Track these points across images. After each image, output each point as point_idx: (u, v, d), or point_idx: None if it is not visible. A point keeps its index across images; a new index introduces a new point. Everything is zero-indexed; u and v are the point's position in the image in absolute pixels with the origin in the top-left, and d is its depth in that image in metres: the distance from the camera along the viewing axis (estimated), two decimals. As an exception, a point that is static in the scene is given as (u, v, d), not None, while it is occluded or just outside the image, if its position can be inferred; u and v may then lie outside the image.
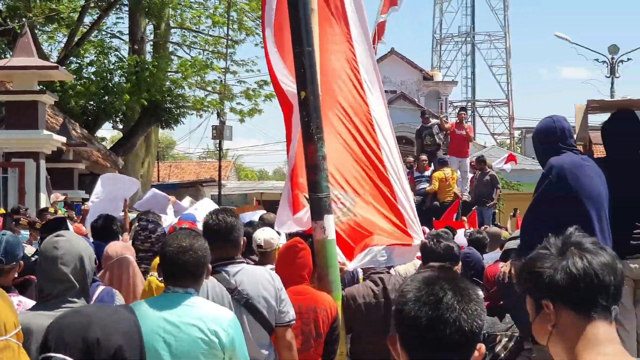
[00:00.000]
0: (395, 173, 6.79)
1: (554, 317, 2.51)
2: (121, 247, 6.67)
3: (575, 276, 2.48)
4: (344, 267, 6.06)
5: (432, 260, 5.34)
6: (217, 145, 34.60)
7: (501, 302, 6.35)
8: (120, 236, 8.42)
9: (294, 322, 5.05)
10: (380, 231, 6.40)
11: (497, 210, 19.19)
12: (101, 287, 5.14)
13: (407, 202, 6.77)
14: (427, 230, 11.17)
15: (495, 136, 65.73)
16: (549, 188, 5.67)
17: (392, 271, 6.72)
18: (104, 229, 7.74)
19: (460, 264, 5.42)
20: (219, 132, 31.11)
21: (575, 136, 6.10)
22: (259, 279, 4.95)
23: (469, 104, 67.17)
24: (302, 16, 5.64)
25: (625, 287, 5.84)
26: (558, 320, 2.51)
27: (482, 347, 2.31)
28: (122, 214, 10.88)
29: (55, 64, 18.18)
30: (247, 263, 5.38)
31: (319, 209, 5.65)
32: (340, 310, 5.60)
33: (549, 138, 5.94)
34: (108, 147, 26.84)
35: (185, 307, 4.08)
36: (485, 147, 46.53)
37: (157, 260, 5.86)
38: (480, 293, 6.58)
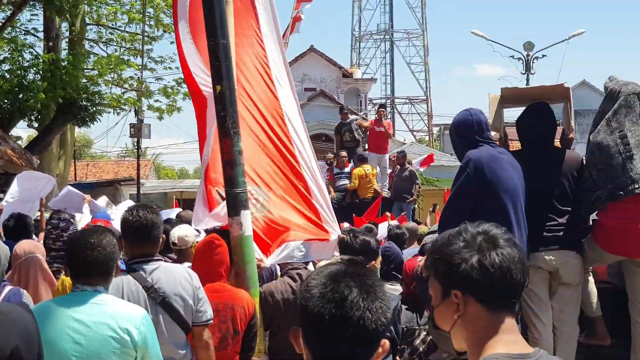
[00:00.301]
0: (309, 168, 6.75)
1: (462, 307, 2.53)
2: (30, 245, 6.49)
3: (492, 273, 2.51)
4: (261, 263, 6.00)
5: (349, 255, 5.31)
6: (136, 144, 34.17)
7: (419, 296, 6.34)
8: (35, 235, 8.22)
9: (212, 321, 4.98)
10: (296, 227, 6.36)
11: (416, 206, 19.32)
12: (8, 287, 4.99)
13: (321, 197, 6.74)
14: (347, 226, 11.23)
15: (415, 133, 66.42)
16: (466, 182, 5.68)
17: (310, 266, 6.68)
18: (17, 228, 7.54)
19: (379, 258, 5.38)
20: (137, 130, 30.73)
21: (490, 127, 6.13)
22: (177, 277, 4.87)
23: (388, 101, 67.74)
24: (216, 8, 5.54)
25: (540, 279, 5.92)
26: (465, 310, 2.53)
27: (385, 342, 2.30)
28: (39, 213, 10.64)
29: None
30: (165, 261, 5.29)
31: (236, 205, 5.57)
32: (258, 307, 5.53)
33: (466, 131, 5.94)
34: (23, 146, 26.20)
35: (94, 305, 3.98)
36: (404, 144, 46.95)
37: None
38: (389, 288, 6.61)
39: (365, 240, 5.38)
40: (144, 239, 4.95)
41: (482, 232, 2.67)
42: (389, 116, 67.55)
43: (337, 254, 6.10)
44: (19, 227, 7.55)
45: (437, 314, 2.63)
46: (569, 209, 6.02)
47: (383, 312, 2.29)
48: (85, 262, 4.05)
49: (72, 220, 7.77)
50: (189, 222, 8.41)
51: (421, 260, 6.00)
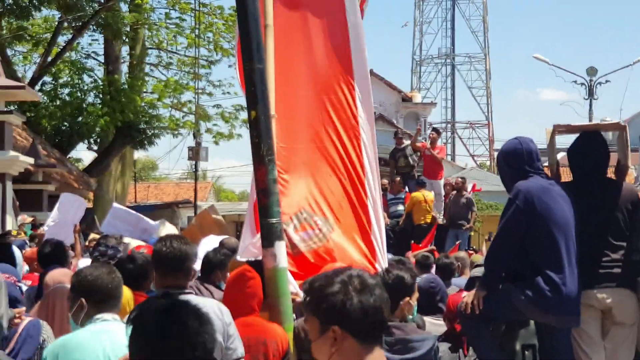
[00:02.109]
0: (373, 199, 6.60)
1: (339, 341, 2.83)
2: (60, 275, 6.35)
3: (366, 311, 2.82)
4: (296, 298, 5.80)
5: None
6: (194, 166, 34.33)
7: (463, 334, 6.03)
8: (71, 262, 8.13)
9: (242, 359, 4.78)
10: (348, 260, 6.11)
11: (472, 233, 18.90)
12: (27, 319, 4.87)
13: (378, 230, 6.56)
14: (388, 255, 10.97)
15: (475, 158, 65.75)
16: (515, 214, 5.43)
17: None
18: (51, 256, 7.42)
19: (415, 294, 5.12)
20: (195, 153, 30.86)
21: (546, 161, 5.85)
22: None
23: (449, 125, 67.27)
24: (252, 31, 5.37)
25: (592, 317, 5.60)
26: (341, 344, 2.83)
27: None
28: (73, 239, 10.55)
29: (22, 84, 17.86)
30: (195, 294, 5.12)
31: (270, 235, 5.36)
32: (292, 343, 5.30)
33: (516, 161, 5.70)
34: (83, 168, 26.48)
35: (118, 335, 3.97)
36: (464, 168, 46.47)
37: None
38: (432, 323, 6.31)
39: (399, 276, 5.12)
40: (176, 270, 4.87)
41: (355, 275, 2.91)
42: (449, 140, 67.13)
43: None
44: (54, 254, 7.42)
45: (315, 347, 2.91)
46: (623, 244, 5.69)
47: (210, 341, 2.57)
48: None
49: (119, 247, 7.62)
50: (234, 250, 8.25)
51: (466, 296, 5.71)
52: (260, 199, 5.38)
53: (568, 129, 6.23)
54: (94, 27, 22.68)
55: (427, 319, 6.20)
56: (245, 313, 5.10)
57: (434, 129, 21.93)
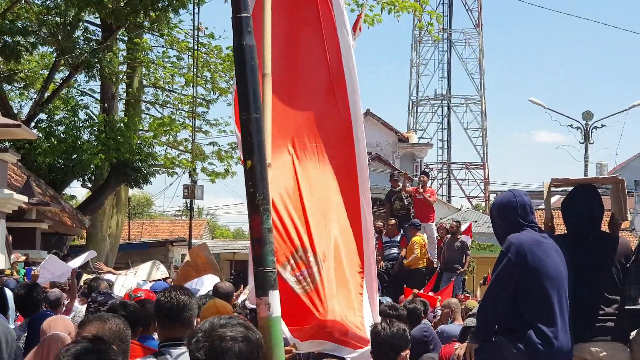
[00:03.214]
0: (369, 243, 6.47)
1: None
2: (54, 322, 6.32)
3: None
4: (292, 350, 5.79)
5: (378, 343, 5.08)
6: (189, 205, 34.33)
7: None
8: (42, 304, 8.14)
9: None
10: (336, 321, 6.00)
11: (466, 277, 18.85)
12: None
13: (371, 278, 6.45)
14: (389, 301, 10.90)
15: (471, 199, 65.84)
16: (507, 267, 5.43)
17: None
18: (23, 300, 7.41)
19: (407, 350, 5.13)
20: (190, 192, 30.89)
21: (534, 210, 5.84)
22: None
23: (445, 166, 67.42)
24: (250, 81, 5.36)
25: (586, 371, 5.57)
26: None
27: None
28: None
29: (18, 123, 17.90)
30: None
31: (264, 284, 5.29)
32: (285, 393, 5.25)
33: (509, 214, 5.71)
34: (77, 206, 26.44)
35: None
36: (460, 209, 46.52)
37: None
38: None
39: (402, 329, 5.13)
40: (174, 321, 4.89)
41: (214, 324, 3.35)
42: (444, 181, 67.23)
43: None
44: (24, 297, 7.41)
45: None
46: (617, 298, 5.68)
47: None
48: None
49: (111, 294, 7.59)
50: (228, 296, 8.20)
51: (458, 347, 5.69)
52: (255, 248, 5.34)
53: (565, 183, 6.24)
54: (86, 71, 22.71)
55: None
56: (238, 363, 5.06)
57: (423, 172, 22.03)
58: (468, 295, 16.89)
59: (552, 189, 6.25)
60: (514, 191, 5.82)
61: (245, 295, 7.81)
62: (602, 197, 5.99)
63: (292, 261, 5.90)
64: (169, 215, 65.03)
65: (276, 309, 5.34)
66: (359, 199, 6.42)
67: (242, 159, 6.05)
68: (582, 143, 35.68)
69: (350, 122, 6.52)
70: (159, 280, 11.84)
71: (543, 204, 6.34)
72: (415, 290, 14.45)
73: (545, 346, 5.27)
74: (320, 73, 6.54)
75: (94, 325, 4.47)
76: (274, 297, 5.34)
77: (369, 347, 6.01)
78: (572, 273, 5.52)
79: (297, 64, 6.52)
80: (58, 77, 25.33)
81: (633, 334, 5.76)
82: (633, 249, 5.82)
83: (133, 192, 51.54)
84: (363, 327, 6.09)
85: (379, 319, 5.99)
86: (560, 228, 6.10)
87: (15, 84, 24.69)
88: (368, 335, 6.00)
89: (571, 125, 36.02)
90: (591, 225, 5.85)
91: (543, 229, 5.92)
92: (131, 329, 5.67)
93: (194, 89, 25.33)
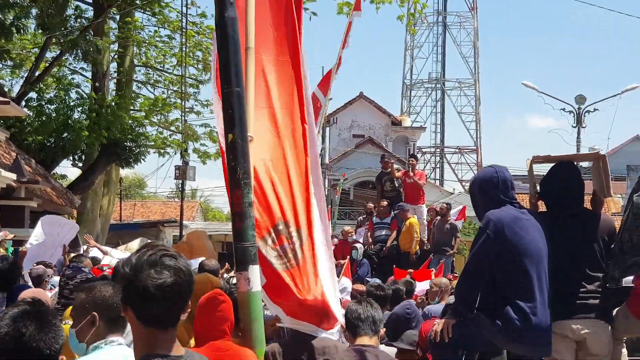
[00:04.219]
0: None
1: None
2: (32, 294, 6.27)
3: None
4: (276, 322, 5.80)
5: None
6: (181, 186, 34.29)
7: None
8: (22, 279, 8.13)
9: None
10: (312, 300, 5.96)
11: (454, 259, 18.82)
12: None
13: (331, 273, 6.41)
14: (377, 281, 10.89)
15: (463, 183, 65.85)
16: (485, 243, 5.39)
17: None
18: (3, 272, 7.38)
19: (382, 330, 5.16)
20: (182, 172, 30.83)
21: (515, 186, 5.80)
22: None
23: (438, 150, 67.42)
24: (232, 54, 5.32)
25: (566, 348, 5.56)
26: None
27: None
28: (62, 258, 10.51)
29: (7, 100, 17.75)
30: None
31: (244, 259, 5.27)
32: (264, 368, 5.23)
33: (491, 189, 5.66)
34: (68, 185, 26.34)
35: None
36: (452, 193, 46.54)
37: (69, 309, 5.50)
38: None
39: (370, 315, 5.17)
40: None
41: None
42: (437, 165, 67.25)
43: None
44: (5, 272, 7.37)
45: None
46: (600, 275, 5.66)
47: (56, 340, 3.12)
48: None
49: (81, 268, 7.53)
50: (213, 273, 8.16)
51: (437, 323, 5.66)
52: (235, 222, 5.32)
53: (547, 160, 6.20)
54: (73, 51, 22.51)
55: (403, 346, 6.17)
56: (216, 337, 5.01)
57: (412, 156, 21.96)
58: (457, 276, 16.88)
59: (534, 166, 6.20)
60: (495, 167, 5.78)
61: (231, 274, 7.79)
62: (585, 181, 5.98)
63: (273, 234, 5.86)
64: (161, 196, 64.99)
65: (256, 284, 5.31)
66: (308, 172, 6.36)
67: (218, 132, 6.06)
68: (575, 127, 35.67)
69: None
70: None
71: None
72: (411, 270, 14.56)
73: (523, 322, 5.25)
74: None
75: (80, 295, 4.38)
76: (254, 271, 5.31)
77: (338, 326, 6.01)
78: (554, 249, 5.49)
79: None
80: (50, 56, 25.18)
81: (615, 311, 5.76)
82: (617, 228, 5.78)
83: (126, 173, 51.54)
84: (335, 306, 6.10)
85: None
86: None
87: (7, 62, 24.49)
88: (337, 315, 6.00)
89: (564, 109, 36.01)
90: (571, 200, 5.83)
91: (529, 207, 5.89)
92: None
93: (183, 69, 25.19)
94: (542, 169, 6.37)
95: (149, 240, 14.73)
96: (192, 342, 5.32)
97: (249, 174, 5.37)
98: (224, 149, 5.52)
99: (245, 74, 5.76)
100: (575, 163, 6.10)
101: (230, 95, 5.32)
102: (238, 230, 5.31)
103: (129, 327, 4.12)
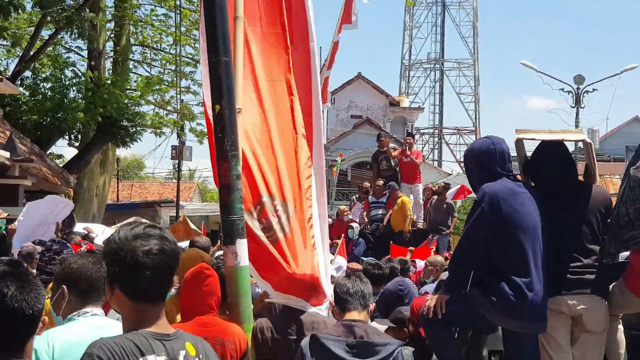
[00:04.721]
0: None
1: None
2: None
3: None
4: (265, 297, 5.71)
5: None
6: (177, 166, 34.19)
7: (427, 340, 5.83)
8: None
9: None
10: (300, 274, 5.85)
11: (451, 239, 18.75)
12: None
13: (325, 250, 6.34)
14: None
15: (462, 164, 65.71)
16: (481, 217, 5.27)
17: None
18: None
19: (371, 304, 5.05)
20: (179, 152, 30.70)
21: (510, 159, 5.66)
22: None
23: (436, 130, 67.26)
24: (219, 22, 5.19)
25: (561, 324, 5.46)
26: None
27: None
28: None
29: (0, 77, 17.60)
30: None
31: (232, 233, 5.18)
32: (250, 343, 5.13)
33: (488, 161, 5.51)
34: (64, 165, 26.19)
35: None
36: (450, 174, 46.47)
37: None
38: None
39: (359, 290, 5.08)
40: None
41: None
42: (436, 146, 67.12)
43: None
44: None
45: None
46: (596, 247, 5.54)
47: (37, 300, 2.98)
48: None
49: (66, 243, 7.42)
50: (204, 249, 8.06)
51: (430, 299, 5.55)
52: (223, 195, 5.21)
53: (529, 132, 6.00)
54: (68, 28, 22.27)
55: (389, 324, 6.10)
56: (202, 312, 4.93)
57: (409, 134, 21.86)
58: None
59: (520, 138, 6.00)
60: (492, 138, 5.63)
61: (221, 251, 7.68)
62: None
63: (258, 207, 5.74)
64: (159, 177, 64.88)
65: (244, 258, 5.21)
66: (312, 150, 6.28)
67: (204, 103, 5.93)
68: (574, 107, 35.57)
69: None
70: None
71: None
72: (411, 248, 14.52)
73: (518, 298, 5.13)
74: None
75: (55, 269, 4.44)
76: (242, 245, 5.22)
77: (327, 303, 5.91)
78: (549, 223, 5.37)
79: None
80: (46, 34, 24.98)
81: (611, 287, 5.66)
82: (611, 199, 5.67)
83: (124, 154, 51.36)
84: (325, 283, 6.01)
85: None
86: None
87: (3, 41, 24.29)
88: (327, 291, 5.90)
89: (562, 89, 35.91)
90: (567, 175, 5.70)
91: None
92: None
93: (178, 47, 24.98)
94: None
95: (139, 218, 14.57)
96: (179, 317, 5.21)
97: (236, 146, 5.26)
98: (211, 120, 5.40)
99: (234, 43, 5.64)
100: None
101: (218, 64, 5.20)
102: (225, 203, 5.20)
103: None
